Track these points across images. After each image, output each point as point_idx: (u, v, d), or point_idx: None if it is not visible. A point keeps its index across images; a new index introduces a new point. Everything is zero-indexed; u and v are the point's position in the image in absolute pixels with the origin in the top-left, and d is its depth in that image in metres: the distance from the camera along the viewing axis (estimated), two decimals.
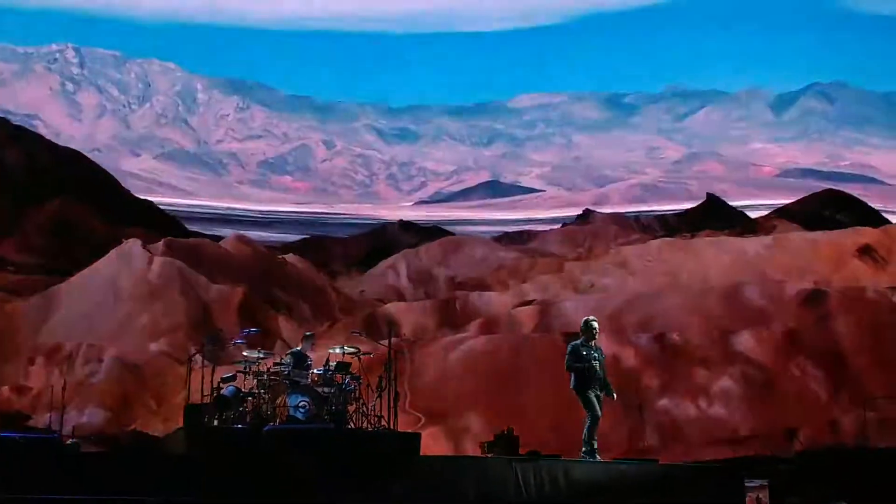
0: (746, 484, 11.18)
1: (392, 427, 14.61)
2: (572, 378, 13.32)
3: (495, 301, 38.90)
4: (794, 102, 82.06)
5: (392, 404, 14.83)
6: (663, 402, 28.37)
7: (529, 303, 36.89)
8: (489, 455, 13.51)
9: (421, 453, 13.32)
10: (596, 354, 13.24)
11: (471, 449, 23.42)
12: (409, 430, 20.08)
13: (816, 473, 11.82)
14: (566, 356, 13.32)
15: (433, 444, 22.72)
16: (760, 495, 10.64)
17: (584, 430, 13.27)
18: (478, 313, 36.61)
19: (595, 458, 13.12)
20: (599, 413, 13.20)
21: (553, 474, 11.76)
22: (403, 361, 26.15)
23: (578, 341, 13.38)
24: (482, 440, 15.58)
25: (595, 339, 13.28)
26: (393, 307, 40.17)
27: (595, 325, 13.30)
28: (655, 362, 28.82)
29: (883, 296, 33.54)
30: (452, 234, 53.20)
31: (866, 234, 41.54)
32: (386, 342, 16.23)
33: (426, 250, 48.62)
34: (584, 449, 13.26)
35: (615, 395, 13.50)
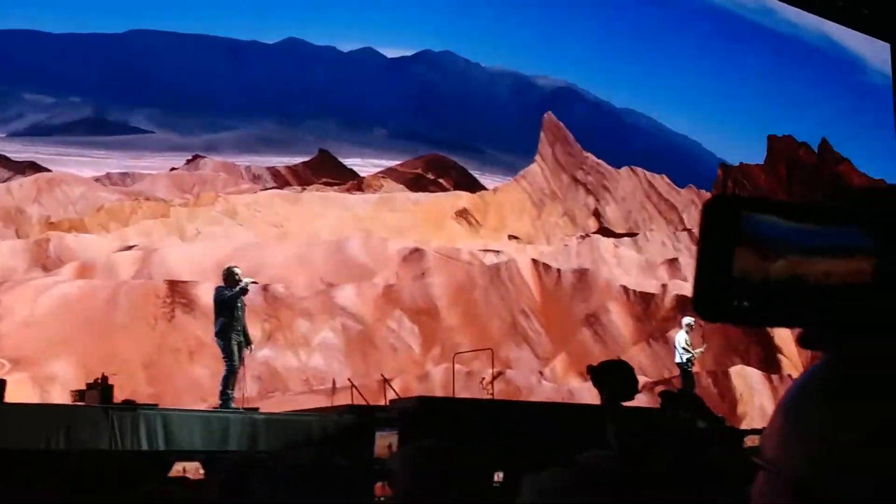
0: (378, 433, 11.34)
1: None
2: (216, 323, 13.16)
3: (94, 244, 36.88)
4: (406, 67, 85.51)
5: None
6: (264, 352, 28.40)
7: (131, 248, 35.43)
8: (80, 404, 12.83)
9: (5, 401, 12.47)
10: (239, 303, 13.19)
11: (59, 398, 22.11)
12: None
13: (428, 420, 12.22)
14: (214, 302, 13.21)
15: (18, 391, 21.19)
16: (391, 441, 10.87)
17: (221, 379, 13.13)
18: (74, 256, 34.52)
19: (229, 408, 12.99)
20: (237, 363, 13.09)
21: (151, 424, 11.37)
22: None
23: (223, 286, 13.27)
24: (73, 389, 14.79)
25: (240, 284, 13.20)
26: None
27: (238, 270, 13.30)
28: (260, 313, 28.76)
29: (475, 257, 35.76)
30: (49, 170, 49.72)
31: (464, 199, 43.92)
32: None
33: (18, 186, 45.04)
34: (220, 399, 13.12)
35: (252, 348, 13.57)
